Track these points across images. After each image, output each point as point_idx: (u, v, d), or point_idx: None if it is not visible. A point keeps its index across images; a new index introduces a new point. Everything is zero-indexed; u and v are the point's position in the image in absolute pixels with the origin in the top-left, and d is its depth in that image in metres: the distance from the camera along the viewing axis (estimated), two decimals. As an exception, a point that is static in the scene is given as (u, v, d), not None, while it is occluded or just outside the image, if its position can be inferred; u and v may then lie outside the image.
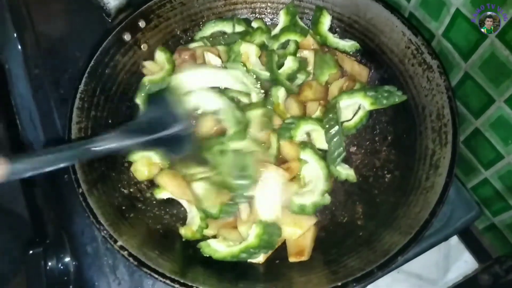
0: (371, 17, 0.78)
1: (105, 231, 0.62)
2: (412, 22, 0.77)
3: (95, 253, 0.77)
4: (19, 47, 0.97)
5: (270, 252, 0.70)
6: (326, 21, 0.84)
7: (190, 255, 0.70)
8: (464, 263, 0.85)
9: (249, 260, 0.69)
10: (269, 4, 0.88)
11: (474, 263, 0.85)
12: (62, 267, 0.76)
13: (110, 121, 0.76)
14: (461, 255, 0.85)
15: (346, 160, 0.79)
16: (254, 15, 0.89)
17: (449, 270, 0.85)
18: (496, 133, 0.73)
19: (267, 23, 0.89)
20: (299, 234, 0.69)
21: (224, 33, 0.85)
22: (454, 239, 0.85)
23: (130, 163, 0.76)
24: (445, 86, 0.68)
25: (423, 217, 0.60)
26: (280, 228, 0.69)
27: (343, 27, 0.84)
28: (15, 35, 0.97)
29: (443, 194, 0.61)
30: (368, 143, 0.80)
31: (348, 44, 0.83)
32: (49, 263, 0.75)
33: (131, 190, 0.75)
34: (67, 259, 0.77)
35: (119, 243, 0.62)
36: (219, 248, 0.68)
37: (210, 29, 0.86)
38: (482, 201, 0.83)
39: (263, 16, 0.89)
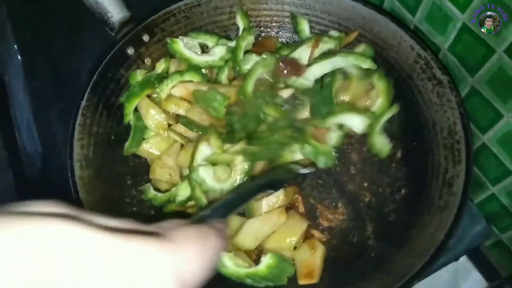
0: (378, 31, 0.77)
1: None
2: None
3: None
4: (20, 59, 0.95)
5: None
6: (304, 27, 0.84)
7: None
8: (473, 282, 0.83)
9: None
10: (274, 18, 0.86)
11: (483, 282, 0.83)
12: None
13: (112, 138, 0.74)
14: (469, 274, 0.84)
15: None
16: (259, 28, 0.88)
17: (458, 289, 0.83)
18: (503, 148, 0.71)
19: (273, 36, 0.88)
20: (309, 255, 0.67)
21: (206, 46, 0.83)
22: (462, 258, 0.84)
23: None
24: (456, 102, 0.67)
25: (439, 238, 0.58)
26: (294, 268, 0.67)
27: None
28: (15, 47, 0.96)
29: (458, 214, 0.59)
30: (376, 158, 0.78)
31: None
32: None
33: (134, 209, 0.72)
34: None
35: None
36: (228, 263, 0.66)
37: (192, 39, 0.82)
38: (489, 217, 0.81)
39: (268, 29, 0.88)
